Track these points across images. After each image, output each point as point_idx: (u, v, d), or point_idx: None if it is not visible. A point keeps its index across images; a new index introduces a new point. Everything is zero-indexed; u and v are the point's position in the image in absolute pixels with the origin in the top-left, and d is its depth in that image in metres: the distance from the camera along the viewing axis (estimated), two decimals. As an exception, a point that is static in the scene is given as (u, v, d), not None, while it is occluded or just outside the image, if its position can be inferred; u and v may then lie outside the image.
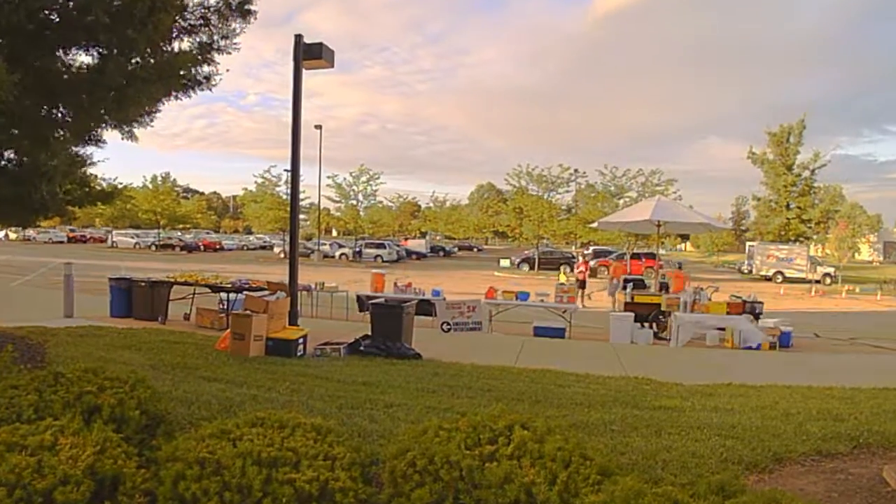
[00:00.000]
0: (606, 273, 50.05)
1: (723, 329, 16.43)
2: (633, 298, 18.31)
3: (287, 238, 47.65)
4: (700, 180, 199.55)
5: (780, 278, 50.51)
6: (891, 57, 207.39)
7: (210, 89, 8.91)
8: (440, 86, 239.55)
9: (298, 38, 12.93)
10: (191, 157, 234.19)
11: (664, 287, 19.61)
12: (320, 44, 12.97)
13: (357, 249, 63.05)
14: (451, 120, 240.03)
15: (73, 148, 9.62)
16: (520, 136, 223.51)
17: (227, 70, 8.97)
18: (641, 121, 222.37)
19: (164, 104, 8.95)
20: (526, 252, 59.93)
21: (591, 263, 53.74)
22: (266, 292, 14.23)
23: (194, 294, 16.68)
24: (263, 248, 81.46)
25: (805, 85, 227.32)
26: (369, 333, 13.14)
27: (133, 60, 7.77)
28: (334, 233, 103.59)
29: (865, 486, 5.13)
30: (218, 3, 8.47)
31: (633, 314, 17.17)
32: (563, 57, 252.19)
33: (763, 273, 52.47)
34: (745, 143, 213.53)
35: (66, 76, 7.72)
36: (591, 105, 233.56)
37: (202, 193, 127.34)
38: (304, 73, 13.03)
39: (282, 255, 61.57)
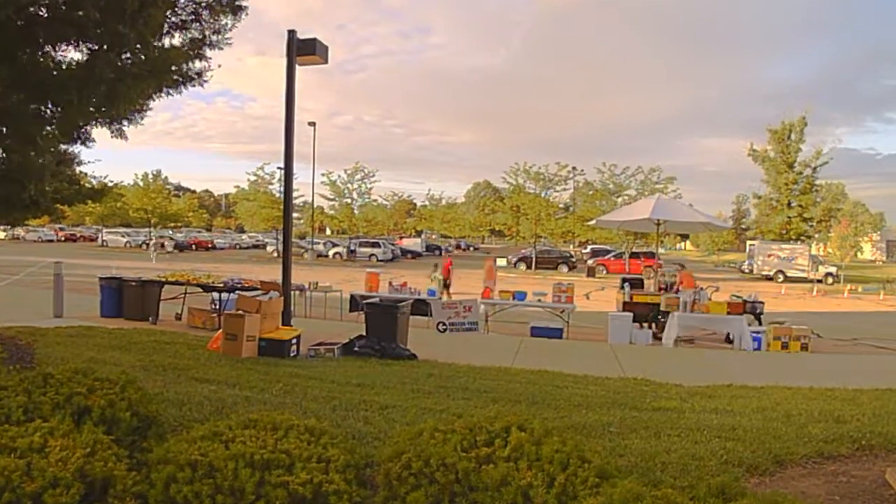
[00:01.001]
0: (605, 272, 50.37)
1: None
2: (631, 298, 18.32)
3: (280, 237, 47.72)
4: (690, 176, 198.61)
5: (781, 278, 50.56)
6: (892, 35, 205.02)
7: (202, 85, 8.93)
8: (408, 71, 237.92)
9: (292, 33, 12.92)
10: (160, 155, 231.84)
11: (666, 288, 19.60)
12: (314, 39, 12.95)
13: (351, 248, 63.04)
14: (425, 110, 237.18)
15: (62, 146, 9.61)
16: (494, 127, 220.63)
17: (220, 65, 8.98)
18: (623, 108, 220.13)
19: (154, 101, 8.96)
20: (523, 251, 59.95)
21: (590, 262, 54.09)
22: (259, 292, 14.22)
23: (186, 294, 16.67)
24: (256, 246, 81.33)
25: (802, 67, 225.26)
26: (364, 334, 13.14)
27: (123, 56, 7.77)
28: (328, 231, 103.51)
29: (868, 489, 5.14)
30: (209, -2, 8.48)
31: (631, 314, 17.19)
32: (531, 31, 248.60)
33: (764, 272, 52.55)
34: (737, 136, 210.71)
35: (55, 72, 7.71)
36: (566, 90, 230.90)
37: (193, 191, 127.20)
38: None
39: (275, 254, 61.58)
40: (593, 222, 25.73)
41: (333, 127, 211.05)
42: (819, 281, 47.98)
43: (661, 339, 17.08)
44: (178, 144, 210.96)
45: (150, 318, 15.54)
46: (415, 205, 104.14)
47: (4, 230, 70.55)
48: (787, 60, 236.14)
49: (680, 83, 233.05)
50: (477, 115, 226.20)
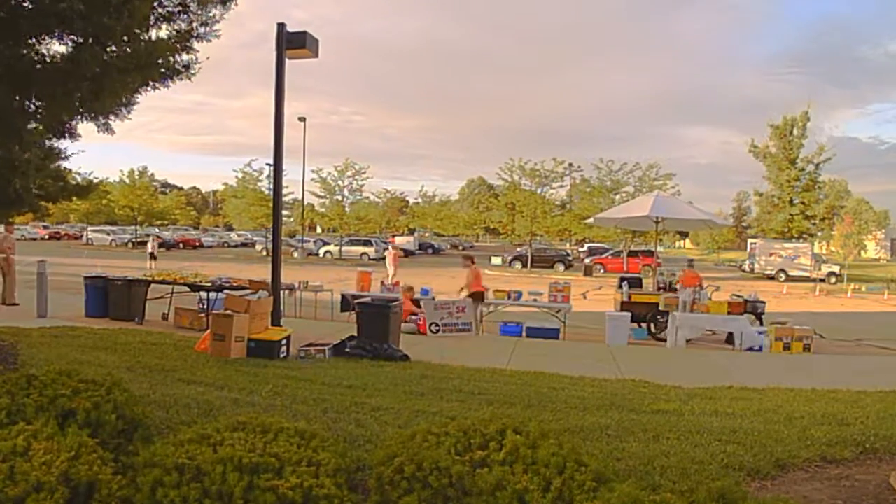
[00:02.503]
0: (602, 271, 50.43)
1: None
2: (629, 298, 18.33)
3: (269, 235, 47.66)
4: (678, 169, 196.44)
5: (783, 277, 50.64)
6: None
7: (190, 79, 8.90)
8: (353, 46, 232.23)
9: (281, 26, 12.88)
10: (120, 151, 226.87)
11: (666, 287, 19.63)
12: (304, 32, 12.91)
13: (340, 247, 62.95)
14: (381, 96, 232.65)
15: (47, 141, 9.59)
16: (459, 112, 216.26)
17: (208, 58, 8.96)
18: (591, 87, 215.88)
19: (141, 95, 8.94)
20: (518, 249, 60.00)
21: (587, 261, 54.19)
22: (248, 291, 14.21)
23: (173, 293, 16.64)
24: (245, 245, 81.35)
25: (794, 34, 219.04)
26: (355, 334, 13.12)
27: (109, 49, 7.74)
28: (319, 229, 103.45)
29: (872, 494, 5.15)
30: (197, -11, 8.45)
31: (629, 314, 17.20)
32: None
33: (766, 271, 52.61)
34: (726, 123, 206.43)
35: (39, 66, 7.69)
36: (526, 67, 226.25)
37: (181, 189, 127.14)
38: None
39: (264, 253, 61.53)
40: (591, 220, 25.73)
41: (291, 116, 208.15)
42: (822, 280, 48.00)
43: (660, 339, 17.14)
44: (133, 139, 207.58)
45: (136, 319, 15.51)
46: (407, 202, 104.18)
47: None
48: (775, 27, 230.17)
49: (655, 59, 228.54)
50: (439, 99, 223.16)
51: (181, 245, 71.99)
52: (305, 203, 66.73)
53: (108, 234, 73.17)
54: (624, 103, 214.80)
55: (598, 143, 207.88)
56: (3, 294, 17.92)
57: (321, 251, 64.28)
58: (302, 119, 57.99)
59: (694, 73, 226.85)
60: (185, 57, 8.70)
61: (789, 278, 50.04)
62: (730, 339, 16.86)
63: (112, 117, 8.89)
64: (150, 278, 16.12)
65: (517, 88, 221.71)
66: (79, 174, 11.86)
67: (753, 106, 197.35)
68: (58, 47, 7.90)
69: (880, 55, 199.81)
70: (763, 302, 17.87)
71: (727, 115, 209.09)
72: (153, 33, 8.37)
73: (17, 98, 8.14)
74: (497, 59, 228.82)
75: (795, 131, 56.23)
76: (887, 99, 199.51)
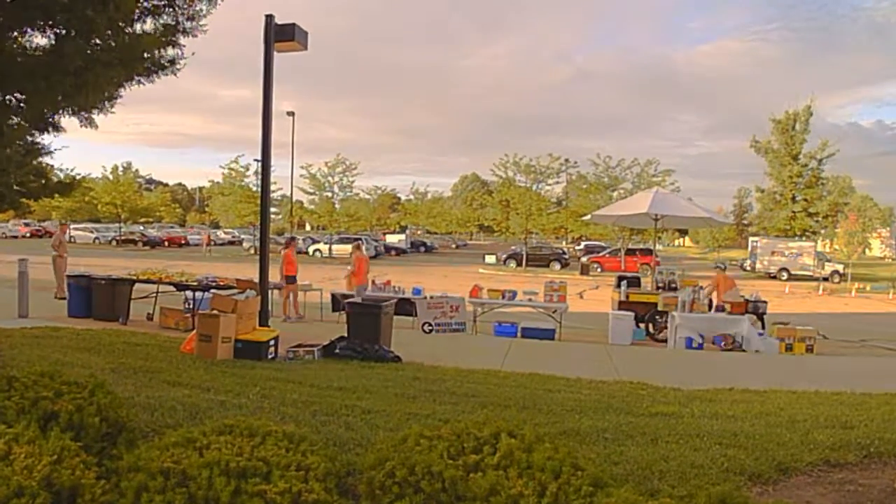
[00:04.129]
0: (599, 270, 50.46)
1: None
2: (627, 297, 18.34)
3: (257, 233, 47.62)
4: (664, 160, 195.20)
5: (785, 276, 50.72)
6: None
7: (175, 74, 8.90)
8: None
9: (269, 18, 12.86)
10: (89, 148, 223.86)
11: (664, 286, 19.63)
12: (293, 25, 12.90)
13: (330, 245, 62.79)
14: (322, 80, 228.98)
15: (29, 136, 9.57)
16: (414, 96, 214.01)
17: (193, 53, 8.96)
18: (568, 72, 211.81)
19: (125, 89, 8.92)
20: (513, 248, 60.03)
21: (583, 260, 54.25)
22: (235, 291, 14.19)
23: (158, 293, 16.61)
24: (232, 243, 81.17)
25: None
26: (345, 335, 13.11)
27: (93, 43, 7.73)
28: (308, 227, 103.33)
29: (876, 499, 5.17)
30: (183, -18, 8.44)
31: (633, 313, 17.23)
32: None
33: (768, 270, 52.65)
34: (717, 113, 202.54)
35: (20, 59, 7.67)
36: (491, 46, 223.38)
37: (166, 185, 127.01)
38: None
39: (251, 251, 61.41)
40: (588, 217, 25.73)
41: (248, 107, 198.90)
42: (825, 279, 48.12)
43: (659, 340, 17.16)
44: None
45: (120, 319, 15.49)
46: (399, 199, 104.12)
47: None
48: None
49: (627, 28, 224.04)
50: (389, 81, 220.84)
51: (166, 243, 71.89)
52: (294, 200, 66.64)
53: (92, 231, 73.05)
54: (600, 85, 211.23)
55: (578, 130, 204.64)
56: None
57: (310, 249, 64.12)
58: (290, 113, 57.87)
59: (671, 40, 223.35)
60: (170, 52, 8.69)
61: (792, 277, 50.14)
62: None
63: (95, 112, 8.88)
64: (134, 277, 16.08)
65: (477, 69, 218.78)
66: (60, 170, 11.78)
67: (744, 82, 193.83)
68: (40, 40, 7.90)
69: (882, 5, 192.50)
70: (765, 302, 17.88)
71: (717, 98, 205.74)
72: (138, 27, 8.37)
73: (-2, 92, 8.13)
74: (454, 36, 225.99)
75: (798, 126, 56.35)
76: (890, 74, 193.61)
